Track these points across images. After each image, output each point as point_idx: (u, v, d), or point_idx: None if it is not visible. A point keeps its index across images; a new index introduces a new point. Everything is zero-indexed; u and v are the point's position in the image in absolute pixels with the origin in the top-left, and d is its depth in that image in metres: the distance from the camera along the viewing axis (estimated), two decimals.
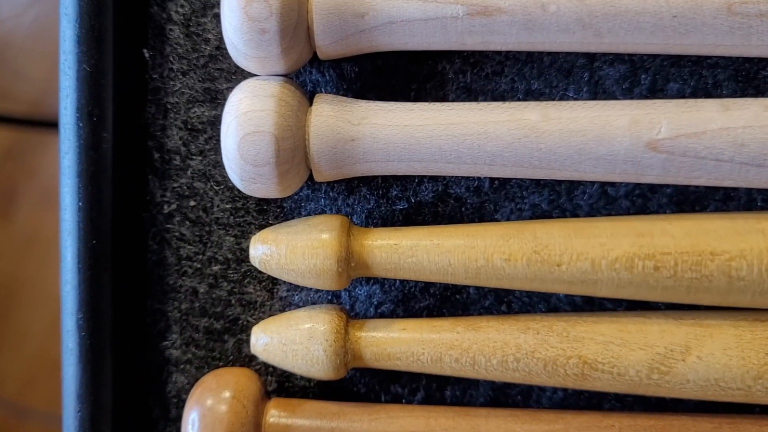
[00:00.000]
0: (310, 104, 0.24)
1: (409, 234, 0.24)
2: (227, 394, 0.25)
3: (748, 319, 0.24)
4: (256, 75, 0.24)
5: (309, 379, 0.27)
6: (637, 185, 0.25)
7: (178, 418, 0.28)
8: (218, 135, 0.27)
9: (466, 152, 0.23)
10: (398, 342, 0.25)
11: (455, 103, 0.24)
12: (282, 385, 0.27)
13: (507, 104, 0.24)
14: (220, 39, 0.27)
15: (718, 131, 0.22)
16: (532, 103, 0.23)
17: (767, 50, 0.23)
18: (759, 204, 0.25)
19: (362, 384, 0.27)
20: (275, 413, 0.25)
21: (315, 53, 0.24)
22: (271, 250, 0.24)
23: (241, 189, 0.24)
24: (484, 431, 0.24)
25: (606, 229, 0.23)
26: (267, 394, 0.26)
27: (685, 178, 0.23)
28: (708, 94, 0.25)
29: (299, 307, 0.27)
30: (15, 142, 1.09)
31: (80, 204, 0.25)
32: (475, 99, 0.26)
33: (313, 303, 0.27)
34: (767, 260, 0.22)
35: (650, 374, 0.23)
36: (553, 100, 0.25)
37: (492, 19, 0.23)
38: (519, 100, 0.25)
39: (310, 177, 0.25)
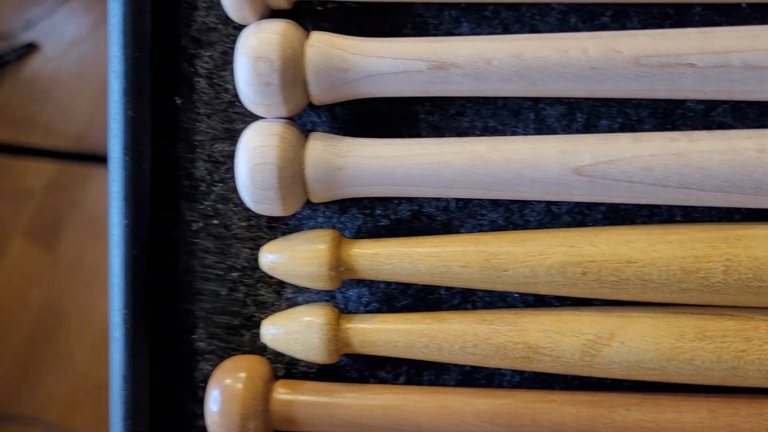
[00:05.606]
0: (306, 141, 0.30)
1: (387, 244, 0.30)
2: (242, 374, 0.30)
3: (664, 311, 0.29)
4: (263, 117, 0.30)
5: (311, 366, 0.33)
6: (577, 204, 0.31)
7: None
8: None
9: (429, 178, 0.29)
10: (379, 332, 0.30)
11: (421, 138, 0.30)
12: (289, 371, 0.33)
13: (462, 139, 0.29)
14: None
15: (630, 159, 0.28)
16: (483, 138, 0.29)
17: (670, 94, 0.28)
18: (678, 218, 0.30)
19: (354, 370, 0.33)
20: (281, 391, 0.31)
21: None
22: (276, 258, 0.30)
23: (252, 209, 0.30)
24: (448, 404, 0.30)
25: (544, 241, 0.29)
26: (275, 377, 0.32)
27: (606, 197, 0.28)
28: (633, 129, 0.30)
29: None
30: (60, 175, 1.16)
31: (126, 222, 0.31)
32: (442, 135, 0.31)
33: (313, 302, 0.33)
34: (673, 266, 0.27)
35: (582, 357, 0.28)
36: (506, 135, 0.31)
37: (448, 72, 0.29)
38: (477, 135, 0.31)
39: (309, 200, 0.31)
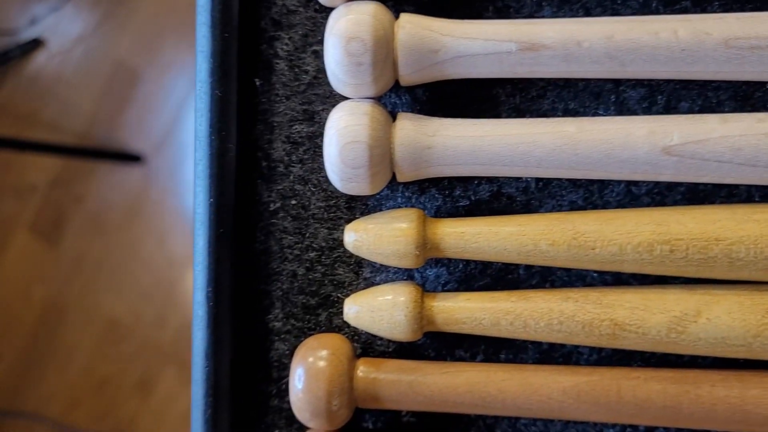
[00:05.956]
0: (393, 121, 0.30)
1: (473, 223, 0.30)
2: (326, 352, 0.31)
3: (749, 289, 0.29)
4: (347, 98, 0.30)
5: (388, 345, 0.33)
6: (656, 185, 0.31)
7: (279, 379, 0.34)
8: (315, 147, 0.33)
9: (517, 157, 0.29)
10: (464, 309, 0.30)
11: (509, 119, 0.30)
12: (366, 350, 0.33)
13: (550, 119, 0.30)
14: (317, 70, 0.33)
15: (719, 139, 0.28)
16: (571, 118, 0.30)
17: (758, 75, 0.29)
18: (757, 198, 0.31)
19: (432, 349, 0.33)
20: (364, 369, 0.31)
21: (396, 81, 0.30)
22: (361, 237, 0.30)
23: (339, 188, 0.30)
24: (533, 381, 0.30)
25: (631, 219, 0.29)
26: (355, 355, 0.32)
27: (694, 177, 0.29)
28: (712, 111, 0.31)
29: None
30: (63, 171, 1.16)
31: (211, 200, 0.31)
32: (523, 117, 0.32)
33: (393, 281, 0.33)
34: (761, 244, 0.28)
35: (669, 333, 0.29)
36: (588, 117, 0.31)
37: (538, 54, 0.29)
38: (559, 117, 0.31)
39: (391, 180, 0.31)
